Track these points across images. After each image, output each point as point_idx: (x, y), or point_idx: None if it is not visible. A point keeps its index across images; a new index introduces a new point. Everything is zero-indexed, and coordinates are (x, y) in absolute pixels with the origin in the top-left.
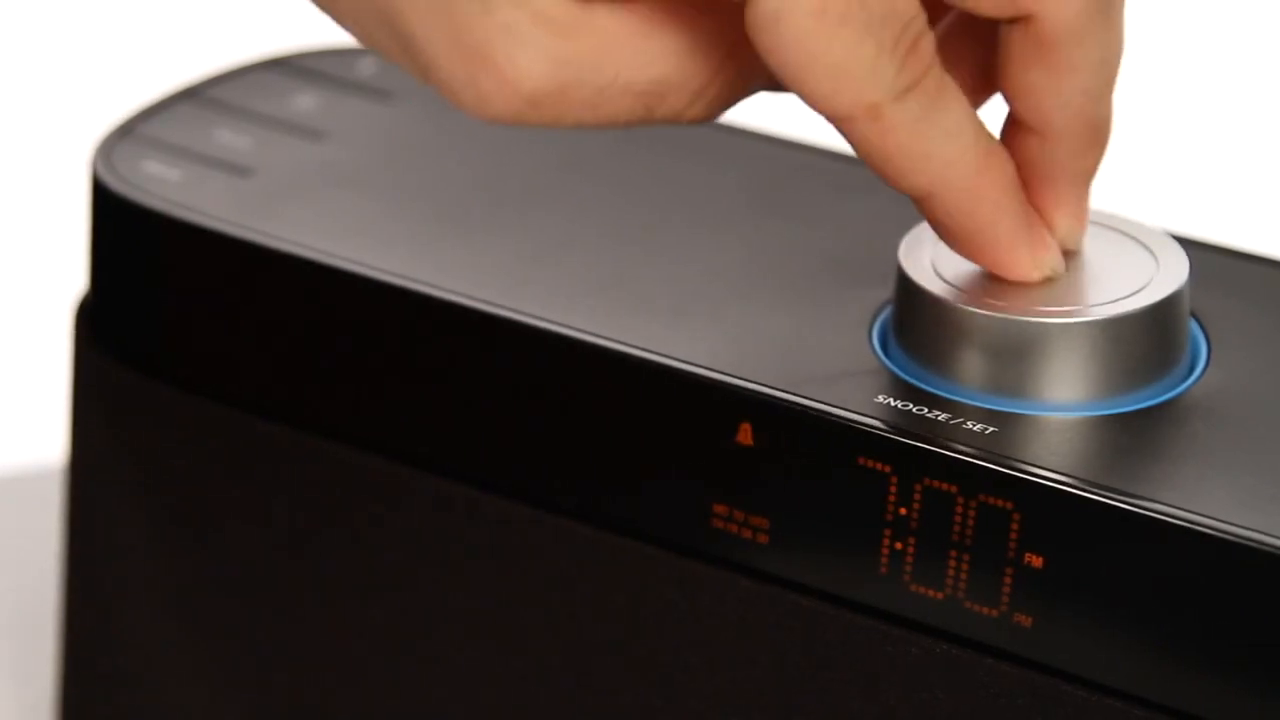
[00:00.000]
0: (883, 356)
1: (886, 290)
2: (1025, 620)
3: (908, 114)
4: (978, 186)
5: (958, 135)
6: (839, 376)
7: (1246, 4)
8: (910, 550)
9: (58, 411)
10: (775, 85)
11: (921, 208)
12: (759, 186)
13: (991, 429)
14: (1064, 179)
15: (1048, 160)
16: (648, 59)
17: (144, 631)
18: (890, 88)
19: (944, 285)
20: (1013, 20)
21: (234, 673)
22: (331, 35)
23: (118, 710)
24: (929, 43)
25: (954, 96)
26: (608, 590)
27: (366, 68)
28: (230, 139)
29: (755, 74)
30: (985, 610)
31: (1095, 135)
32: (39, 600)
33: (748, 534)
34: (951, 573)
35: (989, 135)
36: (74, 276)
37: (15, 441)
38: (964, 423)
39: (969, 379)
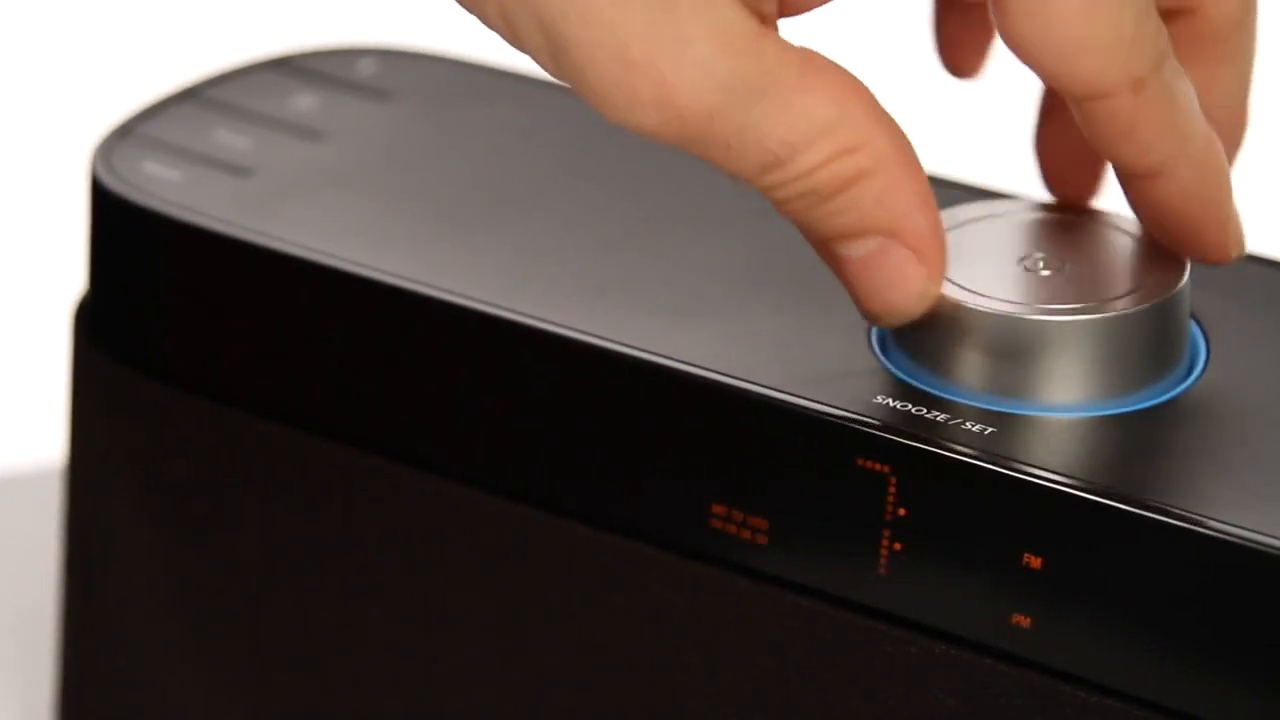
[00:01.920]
0: (881, 357)
1: None
2: (1024, 621)
3: (1164, 86)
4: (1207, 160)
5: (1194, 106)
6: (838, 377)
7: None
8: (909, 551)
9: (58, 411)
10: None
11: (1145, 187)
12: None
13: (990, 429)
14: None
15: None
16: (790, 115)
17: (144, 631)
18: (1152, 58)
19: (944, 284)
20: (1175, 18)
21: (234, 673)
22: (331, 35)
23: (117, 710)
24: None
25: (1183, 71)
26: (607, 590)
27: (366, 68)
28: (230, 139)
29: None
30: (984, 611)
31: (1244, 125)
32: (39, 600)
33: (746, 534)
34: (950, 573)
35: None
36: (74, 276)
37: (15, 441)
38: (963, 423)
39: (968, 379)
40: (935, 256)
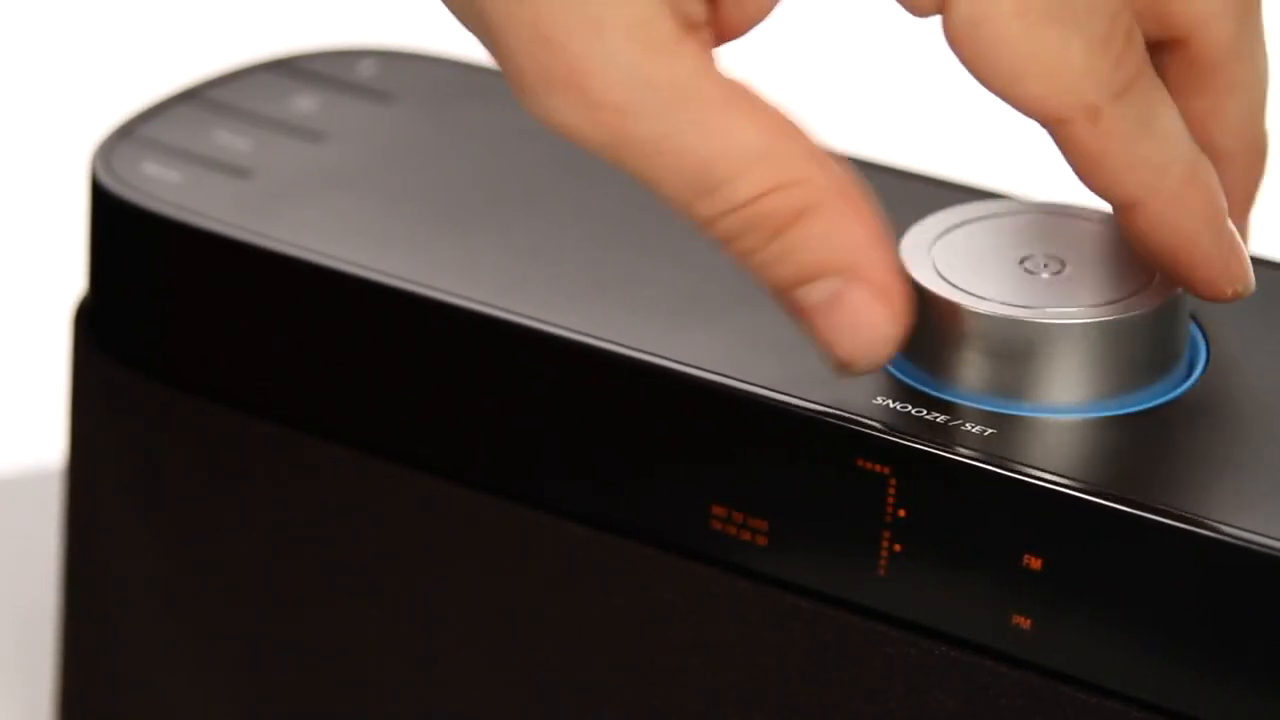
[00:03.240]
0: None
1: None
2: (1025, 622)
3: (1126, 116)
4: (1188, 195)
5: (1173, 140)
6: (838, 378)
7: None
8: (909, 552)
9: (58, 412)
10: None
11: (1124, 217)
12: None
13: (990, 430)
14: (1231, 204)
15: None
16: (714, 134)
17: (144, 631)
18: (1107, 87)
19: (944, 286)
20: (1168, 48)
21: (233, 673)
22: (331, 36)
23: (117, 710)
24: (1140, 40)
25: (1166, 99)
26: (606, 591)
27: (366, 69)
28: (230, 140)
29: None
30: (984, 612)
31: (1260, 154)
32: (39, 600)
33: (747, 535)
34: (950, 575)
35: (1195, 144)
36: (74, 277)
37: (15, 441)
38: (963, 424)
39: (968, 380)
40: (897, 295)
